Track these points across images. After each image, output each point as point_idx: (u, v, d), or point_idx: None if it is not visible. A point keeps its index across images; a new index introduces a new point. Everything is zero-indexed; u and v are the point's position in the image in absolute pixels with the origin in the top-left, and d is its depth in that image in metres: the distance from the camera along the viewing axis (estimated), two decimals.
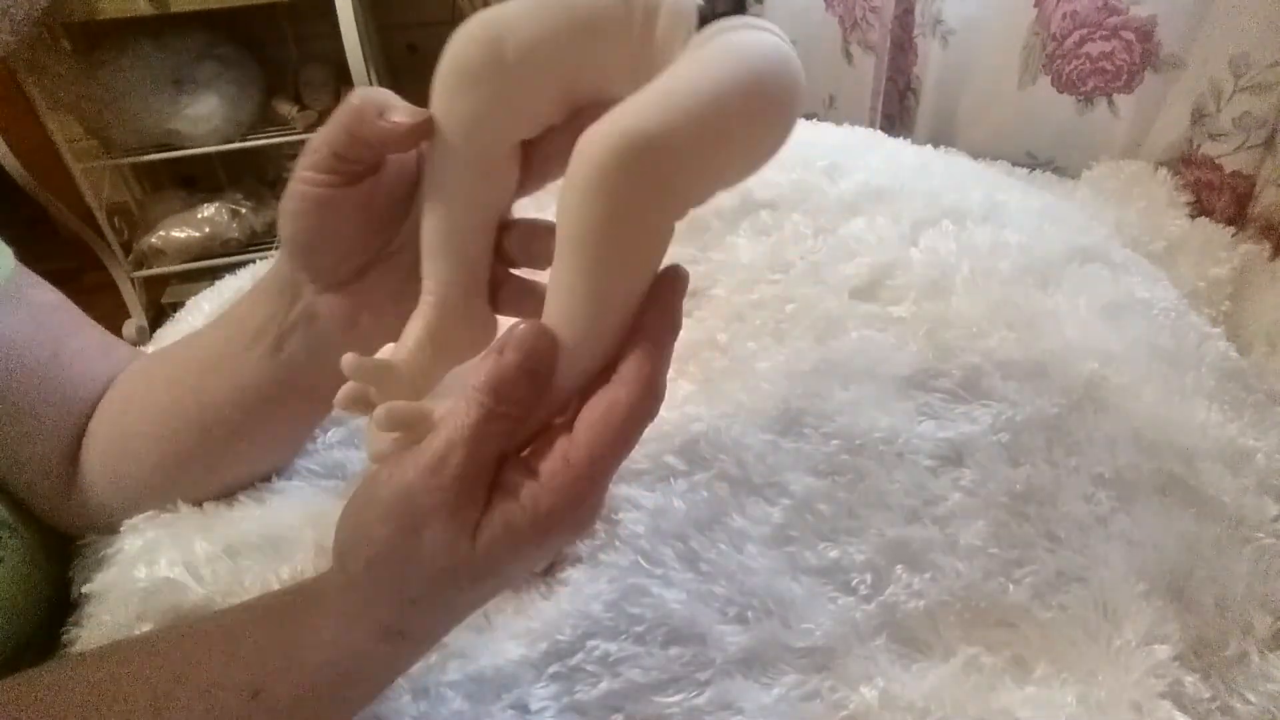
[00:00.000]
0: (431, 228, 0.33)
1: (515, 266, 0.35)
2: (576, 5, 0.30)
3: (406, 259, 0.36)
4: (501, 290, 0.35)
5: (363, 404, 0.31)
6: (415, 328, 0.34)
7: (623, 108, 0.25)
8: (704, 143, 0.25)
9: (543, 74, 0.30)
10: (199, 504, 0.45)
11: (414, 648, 0.32)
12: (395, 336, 0.37)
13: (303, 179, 0.34)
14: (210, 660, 0.31)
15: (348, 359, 0.30)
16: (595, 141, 0.24)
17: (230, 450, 0.44)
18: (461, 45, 0.31)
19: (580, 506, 0.27)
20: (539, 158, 0.33)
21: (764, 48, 0.26)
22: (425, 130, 0.32)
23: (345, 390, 0.31)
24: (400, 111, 0.32)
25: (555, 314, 0.27)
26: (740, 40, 0.26)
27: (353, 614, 0.30)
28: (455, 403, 0.27)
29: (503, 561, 0.28)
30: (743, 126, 0.26)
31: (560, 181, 0.26)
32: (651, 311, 0.27)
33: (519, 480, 0.27)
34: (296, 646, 0.30)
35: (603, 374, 0.28)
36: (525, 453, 0.28)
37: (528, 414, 0.27)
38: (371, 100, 0.33)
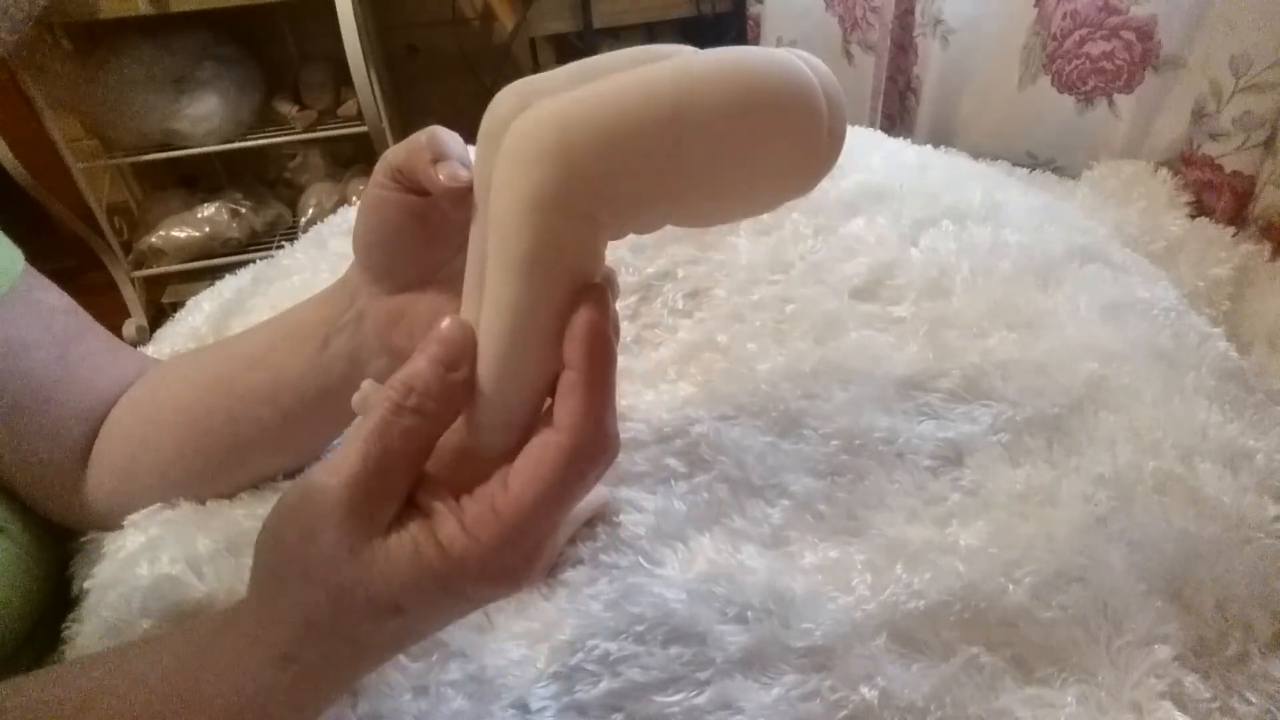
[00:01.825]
0: (470, 273, 0.34)
1: None
2: (600, 72, 0.30)
3: (457, 287, 0.37)
4: None
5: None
6: None
7: (570, 92, 0.22)
8: (639, 140, 0.22)
9: None
10: (201, 501, 0.45)
11: (312, 681, 0.28)
12: None
13: (374, 182, 0.36)
14: (117, 688, 0.29)
15: (367, 383, 0.31)
16: (520, 119, 0.23)
17: (252, 449, 0.44)
18: (492, 109, 0.31)
19: (505, 558, 0.25)
20: None
21: (761, 60, 0.22)
22: (461, 194, 0.33)
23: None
24: (446, 169, 0.33)
25: (485, 325, 0.25)
26: (737, 50, 0.23)
27: (254, 634, 0.27)
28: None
29: (406, 594, 0.25)
30: (699, 137, 0.22)
31: None
32: (576, 339, 0.24)
33: (440, 510, 0.25)
34: (201, 674, 0.28)
35: (547, 413, 0.25)
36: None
37: (441, 414, 0.25)
38: (433, 142, 0.34)
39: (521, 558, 0.25)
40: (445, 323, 0.25)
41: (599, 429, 0.24)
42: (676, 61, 0.22)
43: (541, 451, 0.24)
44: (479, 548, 0.24)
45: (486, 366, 0.25)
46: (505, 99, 0.31)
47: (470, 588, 0.25)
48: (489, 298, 0.25)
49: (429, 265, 0.39)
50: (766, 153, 0.23)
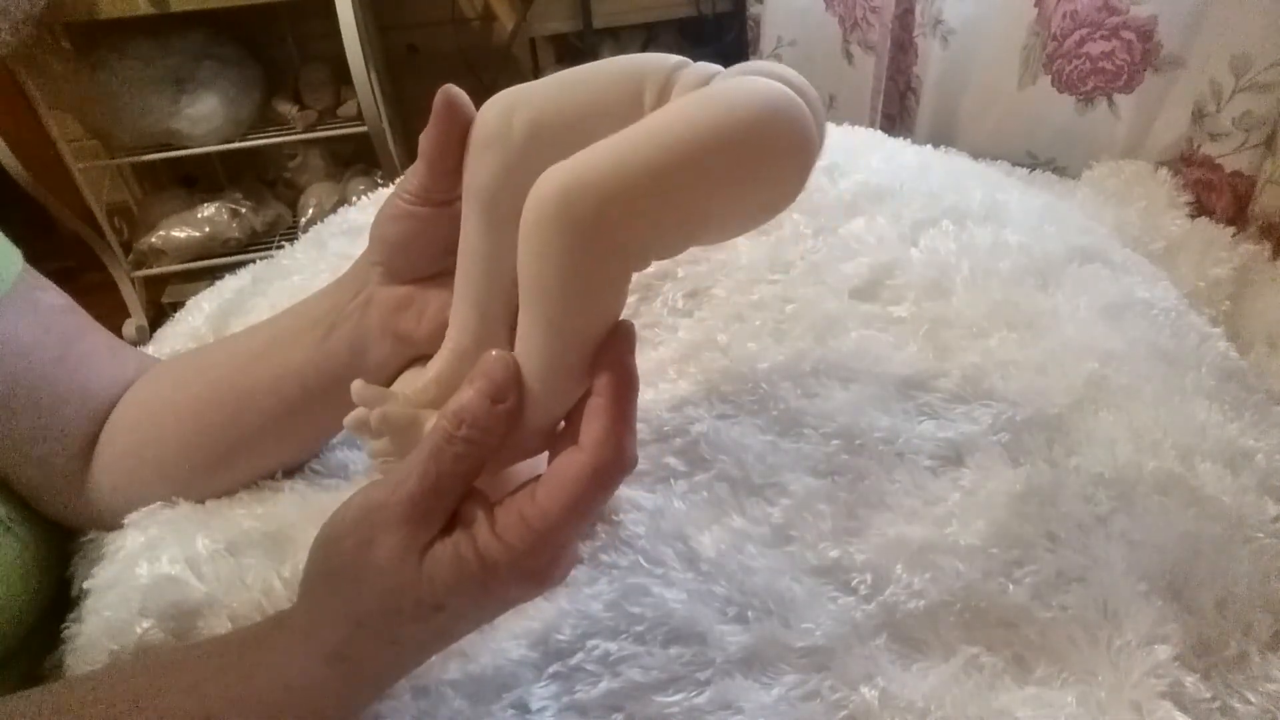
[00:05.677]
0: (459, 279, 0.35)
1: None
2: (587, 85, 0.31)
3: None
4: None
5: (366, 429, 0.34)
6: (432, 368, 0.36)
7: (583, 152, 0.24)
8: (660, 193, 0.24)
9: (546, 148, 0.30)
10: (201, 500, 0.45)
11: (359, 679, 0.31)
12: (423, 352, 0.39)
13: (400, 196, 0.38)
14: (168, 688, 0.32)
15: (356, 384, 0.34)
16: (541, 186, 0.24)
17: (254, 441, 0.44)
18: (482, 113, 0.32)
19: (532, 563, 0.28)
20: None
21: (758, 94, 0.24)
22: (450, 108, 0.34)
23: (353, 414, 0.34)
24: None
25: (520, 354, 0.28)
26: (734, 86, 0.24)
27: (305, 633, 0.30)
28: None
29: (448, 595, 0.28)
30: (715, 179, 0.24)
31: None
32: (603, 370, 0.27)
33: (479, 517, 0.28)
34: (251, 672, 0.31)
35: (571, 425, 0.29)
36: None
37: (492, 442, 0.28)
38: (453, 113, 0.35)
39: (547, 562, 0.28)
40: (492, 356, 0.27)
41: (620, 450, 0.27)
42: (681, 115, 0.24)
43: (567, 468, 0.27)
44: (509, 553, 0.27)
45: (532, 388, 0.28)
46: (493, 109, 0.32)
47: (501, 588, 0.28)
48: (524, 340, 0.27)
49: (443, 261, 0.39)
50: (783, 175, 0.25)
